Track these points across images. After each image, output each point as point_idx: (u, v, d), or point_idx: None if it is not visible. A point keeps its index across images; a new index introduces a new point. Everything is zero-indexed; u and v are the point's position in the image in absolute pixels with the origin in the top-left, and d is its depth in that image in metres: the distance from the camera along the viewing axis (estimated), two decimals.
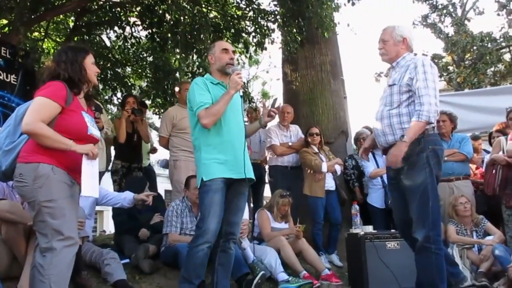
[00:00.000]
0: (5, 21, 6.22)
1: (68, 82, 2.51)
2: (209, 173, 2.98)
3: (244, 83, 3.10)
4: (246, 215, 4.71)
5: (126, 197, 3.85)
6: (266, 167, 6.03)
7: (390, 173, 3.20)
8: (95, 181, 2.57)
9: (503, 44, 13.76)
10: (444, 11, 15.19)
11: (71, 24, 7.35)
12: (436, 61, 14.82)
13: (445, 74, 14.52)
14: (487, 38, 13.43)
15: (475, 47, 13.48)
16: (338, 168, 5.34)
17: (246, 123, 3.28)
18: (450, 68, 14.62)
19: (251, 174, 3.10)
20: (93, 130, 2.61)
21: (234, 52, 3.26)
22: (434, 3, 15.35)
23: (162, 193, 5.85)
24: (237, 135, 3.08)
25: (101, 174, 5.27)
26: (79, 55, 2.60)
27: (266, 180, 6.11)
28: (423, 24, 15.45)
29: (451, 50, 14.04)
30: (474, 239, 4.47)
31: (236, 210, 3.12)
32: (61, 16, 7.06)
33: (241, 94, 3.12)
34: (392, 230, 4.26)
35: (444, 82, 15.58)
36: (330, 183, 5.31)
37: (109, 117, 6.91)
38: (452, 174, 4.79)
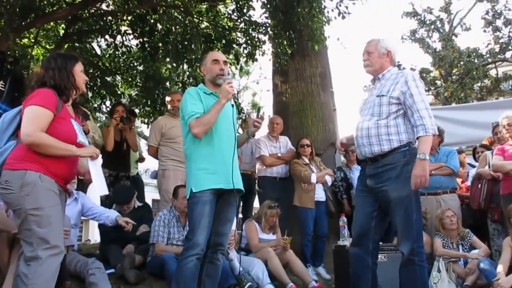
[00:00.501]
0: None
1: (56, 89, 2.51)
2: (199, 184, 2.96)
3: (235, 93, 3.09)
4: (233, 225, 4.70)
5: (109, 216, 3.94)
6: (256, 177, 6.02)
7: (364, 181, 3.18)
8: (103, 180, 2.68)
9: (489, 60, 14.05)
10: (432, 26, 15.49)
11: (62, 32, 7.32)
12: (424, 75, 15.05)
13: (432, 88, 14.74)
14: (474, 54, 13.70)
15: (462, 62, 13.73)
16: (329, 179, 5.35)
17: (238, 134, 3.24)
18: (438, 82, 14.86)
19: (240, 185, 3.08)
20: (82, 138, 2.61)
21: (225, 62, 3.25)
22: (422, 18, 15.65)
23: (150, 202, 5.79)
24: (227, 145, 3.06)
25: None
26: (69, 63, 2.60)
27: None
28: (411, 39, 15.71)
29: (438, 64, 14.28)
30: (460, 252, 4.49)
31: (225, 221, 3.09)
32: (51, 23, 7.03)
33: (233, 103, 3.12)
34: (380, 243, 4.26)
35: (431, 96, 15.81)
36: (320, 194, 5.33)
37: (98, 125, 6.87)
38: (439, 188, 4.82)
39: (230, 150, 3.05)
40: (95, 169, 2.61)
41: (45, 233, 2.34)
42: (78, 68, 2.65)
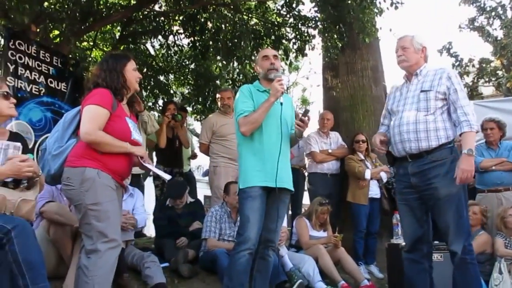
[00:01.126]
0: (56, 32, 6.54)
1: (110, 89, 2.61)
2: (246, 181, 3.00)
3: (285, 89, 3.07)
4: (284, 222, 4.71)
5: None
6: (305, 173, 5.99)
7: (405, 181, 3.09)
8: (160, 171, 3.06)
9: None
10: (493, 13, 14.59)
11: (117, 34, 7.63)
12: (484, 65, 14.26)
13: (493, 79, 13.92)
14: None
15: None
16: (384, 176, 5.24)
17: (292, 131, 3.21)
18: (499, 73, 14.00)
19: (287, 184, 3.07)
20: (136, 135, 2.71)
21: (276, 57, 3.23)
22: (482, 5, 14.78)
23: (201, 198, 5.93)
24: (275, 143, 3.04)
25: (139, 176, 5.43)
26: (119, 63, 2.68)
27: (305, 187, 6.07)
28: (469, 28, 14.90)
29: (500, 54, 13.44)
30: None
31: (276, 218, 3.08)
32: (108, 26, 7.34)
33: (281, 101, 3.05)
34: (436, 242, 4.12)
35: (492, 88, 14.96)
36: (375, 191, 5.24)
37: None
38: (501, 184, 4.59)
39: (277, 148, 3.02)
40: (150, 165, 2.80)
41: (103, 227, 2.45)
42: (130, 66, 2.72)
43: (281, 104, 3.05)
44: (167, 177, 3.03)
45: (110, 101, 2.57)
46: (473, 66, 14.50)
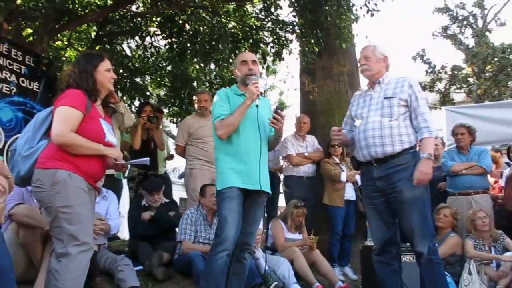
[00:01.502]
0: (29, 30, 6.39)
1: (83, 90, 2.56)
2: (224, 182, 2.99)
3: (261, 92, 3.07)
4: (260, 224, 4.71)
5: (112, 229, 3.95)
6: (281, 176, 6.02)
7: (371, 185, 3.17)
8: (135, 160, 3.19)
9: None
10: (465, 22, 15.04)
11: (93, 34, 7.51)
12: (455, 72, 14.65)
13: (465, 86, 14.32)
14: (509, 50, 13.24)
15: (496, 59, 13.29)
16: (359, 179, 5.30)
17: (271, 134, 3.20)
18: (470, 80, 14.41)
19: (267, 187, 3.08)
20: (110, 137, 2.67)
21: (255, 62, 3.23)
22: (455, 14, 15.22)
23: (177, 201, 5.88)
24: (254, 145, 3.04)
25: (115, 178, 5.35)
26: (90, 64, 2.63)
27: (281, 190, 6.10)
28: (443, 35, 15.31)
29: (471, 61, 13.86)
30: (492, 254, 4.38)
31: (253, 221, 3.09)
32: (83, 25, 7.21)
33: (257, 103, 3.06)
34: (408, 244, 4.20)
35: (464, 94, 15.36)
36: (350, 193, 5.30)
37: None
38: (471, 188, 4.71)
39: (257, 150, 3.03)
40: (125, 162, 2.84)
41: (74, 230, 2.40)
42: (102, 67, 2.66)
43: (257, 106, 3.05)
44: (145, 161, 2.91)
45: (84, 102, 2.53)
46: (446, 73, 14.89)
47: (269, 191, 3.13)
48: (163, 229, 4.46)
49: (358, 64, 3.36)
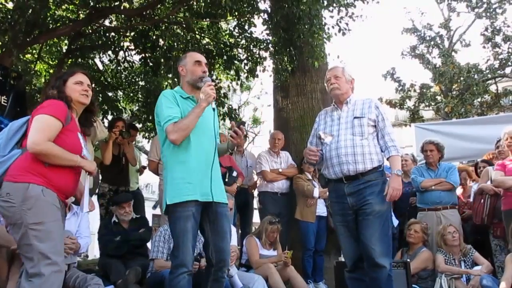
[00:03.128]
0: None
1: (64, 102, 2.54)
2: (177, 195, 2.70)
3: (218, 96, 3.00)
4: (234, 241, 4.68)
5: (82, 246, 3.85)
6: (255, 192, 6.01)
7: (342, 202, 3.20)
8: (88, 197, 2.68)
9: (489, 75, 14.12)
10: (432, 42, 15.60)
11: (64, 47, 7.39)
12: (424, 90, 15.11)
13: (433, 103, 14.78)
14: (474, 70, 13.78)
15: (462, 78, 13.80)
16: None
17: (217, 141, 2.96)
18: (438, 98, 14.89)
19: (220, 198, 2.83)
20: (86, 152, 2.61)
21: (206, 64, 3.03)
22: (422, 34, 15.78)
23: (150, 217, 5.77)
24: (207, 152, 2.82)
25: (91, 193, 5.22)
26: (60, 80, 2.61)
27: (255, 206, 6.08)
28: (411, 55, 15.82)
29: (439, 80, 14.33)
30: (462, 269, 4.46)
31: (222, 234, 2.83)
32: (54, 39, 7.10)
33: (214, 107, 2.87)
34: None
35: (432, 112, 15.84)
36: (322, 209, 5.33)
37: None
38: (440, 203, 4.82)
39: (210, 158, 2.82)
40: (87, 186, 2.66)
41: (45, 248, 2.30)
42: (71, 81, 2.61)
43: (214, 110, 2.90)
44: (85, 208, 2.67)
45: (64, 113, 2.46)
46: (415, 91, 15.34)
47: (225, 201, 2.87)
48: (135, 247, 4.36)
49: (326, 84, 3.42)
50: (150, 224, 5.48)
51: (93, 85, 2.79)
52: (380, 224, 3.06)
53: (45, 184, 2.37)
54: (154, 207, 6.60)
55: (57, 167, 2.42)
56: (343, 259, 4.31)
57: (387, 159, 3.22)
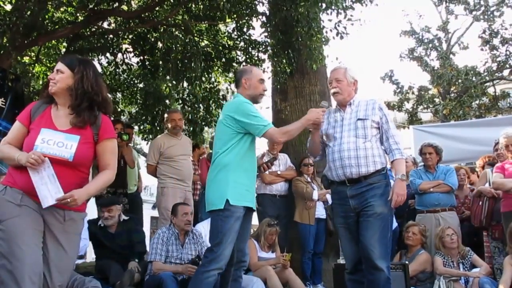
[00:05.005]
0: None
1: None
2: (237, 198, 2.93)
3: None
4: None
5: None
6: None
7: (344, 204, 3.18)
8: (50, 186, 2.23)
9: (487, 78, 14.17)
10: (430, 45, 15.66)
11: (63, 49, 7.39)
12: (422, 93, 15.16)
13: (431, 106, 14.83)
14: (472, 72, 13.82)
15: (460, 80, 13.84)
16: (329, 198, 5.35)
17: None
18: (436, 100, 14.94)
19: (255, 206, 3.20)
20: (47, 149, 2.28)
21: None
22: (420, 37, 15.83)
23: (149, 220, 5.76)
24: (255, 163, 3.17)
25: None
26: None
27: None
28: (409, 57, 15.86)
29: (437, 82, 14.38)
30: (461, 271, 4.46)
31: (246, 238, 3.16)
32: (53, 41, 7.10)
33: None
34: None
35: (430, 114, 15.87)
36: (320, 212, 5.33)
37: None
38: (438, 205, 4.82)
39: (256, 169, 3.19)
40: (38, 178, 2.23)
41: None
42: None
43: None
44: (48, 202, 2.24)
45: (26, 113, 2.40)
46: (413, 93, 15.38)
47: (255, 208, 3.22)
48: (128, 247, 4.33)
49: (329, 86, 3.39)
50: (149, 227, 5.46)
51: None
52: (380, 226, 3.04)
53: (10, 183, 2.30)
54: (154, 207, 6.60)
55: (18, 167, 2.29)
56: (341, 261, 4.32)
57: (392, 162, 3.19)
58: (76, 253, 2.60)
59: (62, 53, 7.14)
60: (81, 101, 2.36)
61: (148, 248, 4.42)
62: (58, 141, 2.30)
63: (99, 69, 8.07)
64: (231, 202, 2.90)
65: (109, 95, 8.02)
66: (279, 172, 5.60)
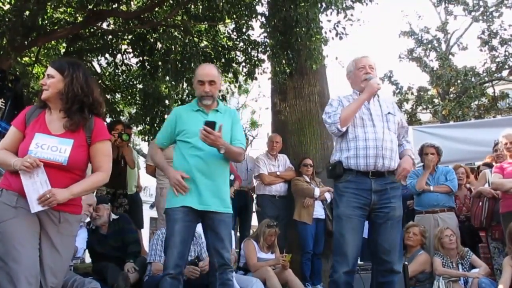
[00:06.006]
0: None
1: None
2: (170, 201, 2.91)
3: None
4: (232, 244, 4.67)
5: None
6: (253, 195, 6.00)
7: (363, 197, 2.97)
8: (41, 192, 2.23)
9: (486, 78, 14.19)
10: (429, 45, 15.67)
11: (62, 50, 7.39)
12: (421, 93, 15.16)
13: (430, 106, 14.83)
14: (471, 73, 13.84)
15: (459, 81, 13.85)
16: (328, 196, 5.35)
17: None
18: (436, 101, 14.95)
19: (214, 207, 2.89)
20: (41, 153, 2.29)
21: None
22: (420, 38, 15.85)
23: (148, 220, 5.75)
24: (212, 167, 2.92)
25: None
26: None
27: (253, 209, 6.08)
28: (409, 58, 15.88)
29: (436, 83, 14.39)
30: (460, 271, 4.45)
31: (221, 239, 2.91)
32: (52, 42, 7.10)
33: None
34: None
35: (429, 115, 15.87)
36: (319, 212, 5.33)
37: None
38: (437, 206, 4.81)
39: (207, 166, 2.90)
40: (29, 183, 2.24)
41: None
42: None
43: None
44: (37, 208, 2.24)
45: (21, 118, 2.42)
46: (412, 94, 15.38)
47: (216, 210, 2.91)
48: (121, 248, 4.29)
49: (361, 70, 3.17)
50: (148, 227, 5.45)
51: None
52: (399, 229, 3.00)
53: (5, 186, 2.32)
54: (152, 206, 6.60)
55: (14, 171, 2.30)
56: None
57: (401, 152, 3.15)
58: (71, 255, 2.62)
59: (62, 54, 7.15)
60: (71, 104, 2.37)
61: (144, 247, 4.40)
62: (52, 145, 2.33)
63: (98, 70, 8.09)
64: (166, 206, 2.94)
65: (108, 96, 8.11)
66: (278, 173, 5.60)
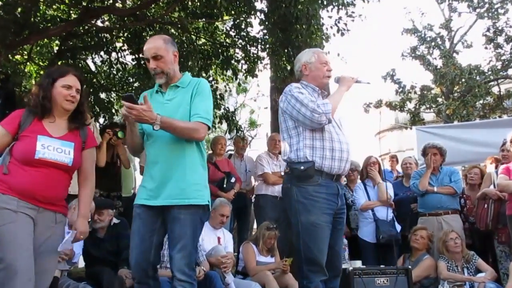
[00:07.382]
0: None
1: (30, 106, 2.49)
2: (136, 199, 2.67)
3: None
4: (230, 247, 4.55)
5: None
6: (252, 198, 5.86)
7: (336, 201, 2.88)
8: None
9: (491, 77, 14.02)
10: (433, 43, 15.51)
11: (56, 48, 7.29)
12: (425, 92, 14.99)
13: (434, 106, 14.66)
14: (476, 71, 13.69)
15: (463, 80, 13.70)
16: None
17: None
18: (439, 100, 14.78)
19: (168, 201, 2.49)
20: (49, 154, 2.39)
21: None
22: (423, 35, 15.68)
23: None
24: (166, 154, 2.52)
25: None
26: (48, 78, 2.49)
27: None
28: (412, 56, 15.71)
29: (440, 82, 14.23)
30: (465, 276, 4.33)
31: (171, 240, 2.51)
32: (45, 39, 6.99)
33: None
34: (382, 266, 4.11)
35: (433, 114, 15.70)
36: None
37: None
38: (441, 208, 4.68)
39: (163, 154, 2.53)
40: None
41: None
42: (60, 83, 2.47)
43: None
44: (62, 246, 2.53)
45: (16, 121, 2.45)
46: (415, 93, 15.21)
47: (172, 203, 2.50)
48: (116, 252, 4.15)
49: (325, 66, 3.01)
50: None
51: (85, 87, 2.66)
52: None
53: (2, 191, 2.33)
54: None
55: (17, 171, 2.37)
56: (342, 266, 4.16)
57: None
58: (57, 257, 2.72)
59: (55, 52, 7.03)
60: (77, 112, 2.58)
61: None
62: (56, 147, 2.45)
63: (93, 68, 7.98)
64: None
65: (103, 95, 7.98)
66: (282, 173, 5.45)
